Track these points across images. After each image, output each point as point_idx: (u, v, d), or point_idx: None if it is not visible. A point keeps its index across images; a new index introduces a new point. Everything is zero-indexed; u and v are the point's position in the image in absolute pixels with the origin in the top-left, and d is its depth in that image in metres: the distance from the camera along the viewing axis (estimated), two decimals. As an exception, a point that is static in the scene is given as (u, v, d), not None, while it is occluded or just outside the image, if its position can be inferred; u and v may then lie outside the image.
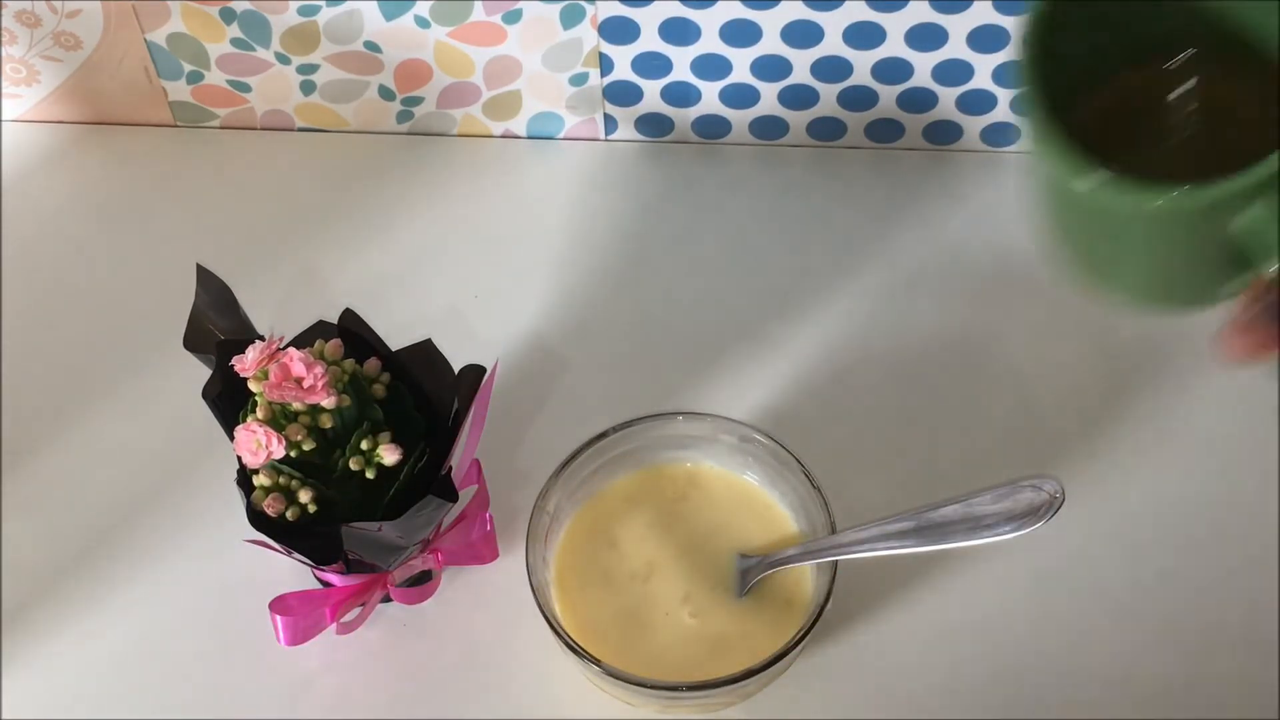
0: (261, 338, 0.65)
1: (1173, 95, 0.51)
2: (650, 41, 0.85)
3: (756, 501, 0.72)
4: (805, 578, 0.69)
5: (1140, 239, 0.47)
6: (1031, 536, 0.62)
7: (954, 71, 0.85)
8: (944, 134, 0.89)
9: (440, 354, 0.68)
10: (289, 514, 0.64)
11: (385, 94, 0.90)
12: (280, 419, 0.63)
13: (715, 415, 0.71)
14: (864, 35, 0.83)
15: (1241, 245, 0.45)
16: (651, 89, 0.88)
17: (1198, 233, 0.46)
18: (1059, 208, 0.49)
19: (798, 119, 0.89)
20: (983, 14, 0.82)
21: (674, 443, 0.72)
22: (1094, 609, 0.71)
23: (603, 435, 0.70)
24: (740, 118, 0.89)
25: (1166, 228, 0.46)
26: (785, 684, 0.68)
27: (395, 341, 0.68)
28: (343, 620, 0.69)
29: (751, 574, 0.68)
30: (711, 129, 0.90)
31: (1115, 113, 0.52)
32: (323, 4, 0.84)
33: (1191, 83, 0.51)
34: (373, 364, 0.67)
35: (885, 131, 0.89)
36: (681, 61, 0.86)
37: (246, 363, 0.63)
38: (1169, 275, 0.49)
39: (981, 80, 0.85)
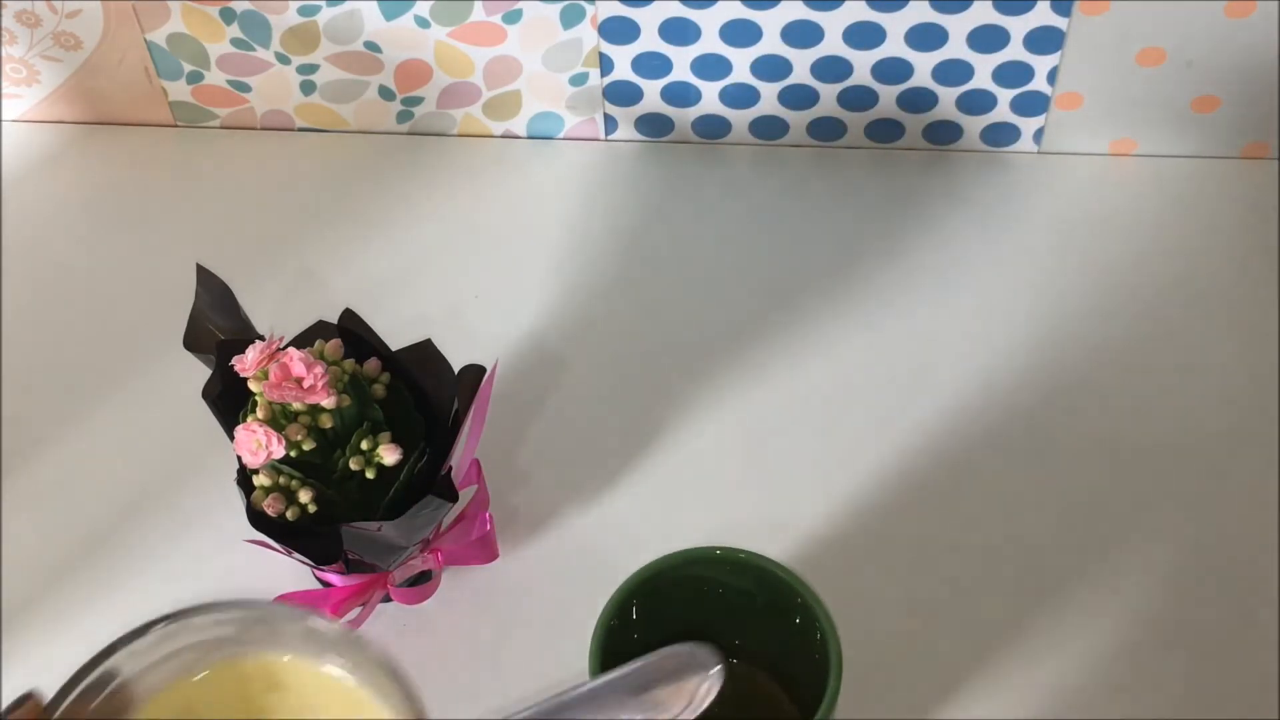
0: (261, 338, 0.65)
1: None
2: (650, 41, 0.85)
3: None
4: None
5: None
6: (1038, 555, 0.60)
7: (954, 71, 0.85)
8: (944, 134, 0.89)
9: (440, 354, 0.68)
10: (289, 514, 0.64)
11: (385, 94, 0.90)
12: (280, 419, 0.63)
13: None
14: (864, 35, 0.83)
15: None
16: (651, 89, 0.88)
17: None
18: None
19: (798, 119, 0.89)
20: (983, 14, 0.82)
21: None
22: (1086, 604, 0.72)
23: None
24: (740, 118, 0.89)
25: None
26: None
27: (395, 341, 0.68)
28: (343, 620, 0.69)
29: None
30: (711, 129, 0.90)
31: None
32: (323, 4, 0.84)
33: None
34: (373, 364, 0.67)
35: (885, 131, 0.89)
36: (681, 61, 0.86)
37: (246, 363, 0.63)
38: None
39: (981, 80, 0.85)
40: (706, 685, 0.52)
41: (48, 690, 0.46)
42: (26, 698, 0.47)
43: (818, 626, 0.59)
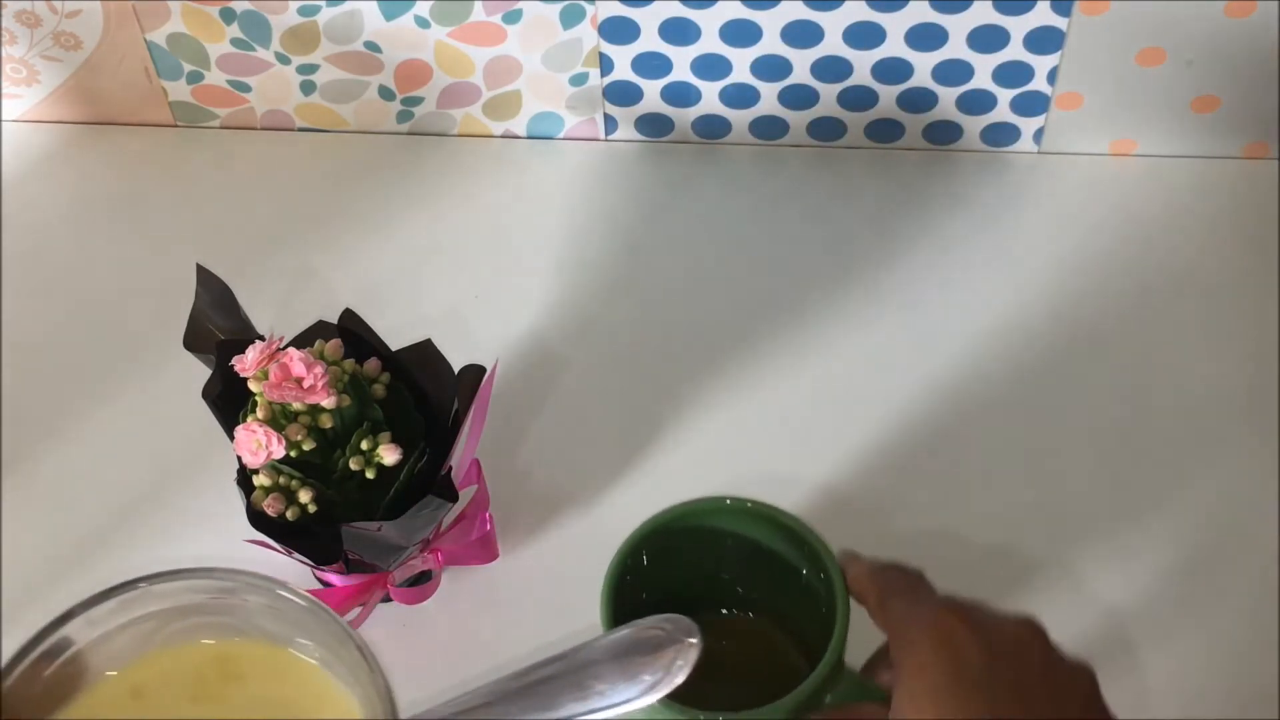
0: (261, 338, 0.65)
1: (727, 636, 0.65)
2: (650, 41, 0.85)
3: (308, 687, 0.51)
4: None
5: None
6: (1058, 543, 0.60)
7: (954, 71, 0.85)
8: (944, 134, 0.89)
9: (440, 354, 0.68)
10: (289, 514, 0.64)
11: (385, 94, 0.90)
12: (280, 419, 0.63)
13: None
14: (864, 35, 0.83)
15: None
16: (651, 89, 0.88)
17: None
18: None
19: (798, 119, 0.89)
20: (983, 14, 0.82)
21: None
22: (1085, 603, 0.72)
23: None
24: (740, 118, 0.89)
25: None
26: None
27: (395, 341, 0.68)
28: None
29: None
30: (711, 129, 0.90)
31: None
32: (323, 4, 0.84)
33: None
34: (373, 364, 0.67)
35: (885, 131, 0.89)
36: (681, 61, 0.86)
37: (246, 363, 0.63)
38: None
39: (981, 80, 0.85)
40: (683, 657, 0.53)
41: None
42: None
43: (822, 571, 0.60)
